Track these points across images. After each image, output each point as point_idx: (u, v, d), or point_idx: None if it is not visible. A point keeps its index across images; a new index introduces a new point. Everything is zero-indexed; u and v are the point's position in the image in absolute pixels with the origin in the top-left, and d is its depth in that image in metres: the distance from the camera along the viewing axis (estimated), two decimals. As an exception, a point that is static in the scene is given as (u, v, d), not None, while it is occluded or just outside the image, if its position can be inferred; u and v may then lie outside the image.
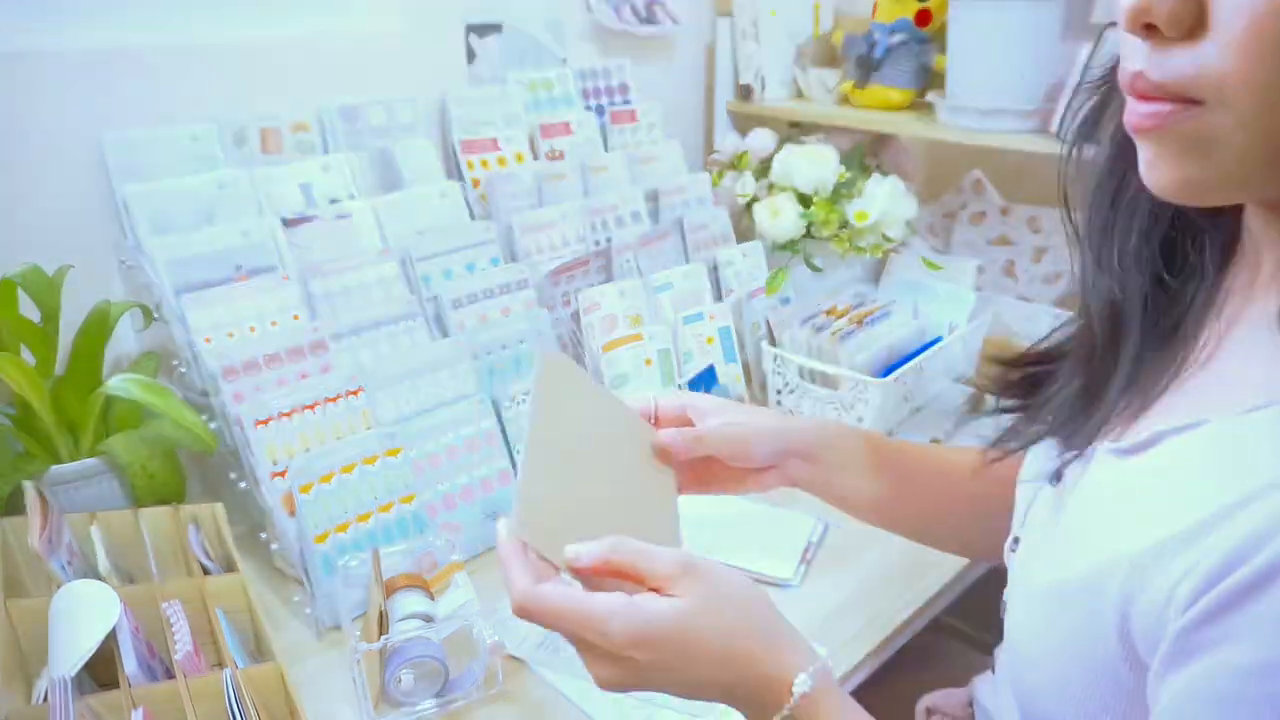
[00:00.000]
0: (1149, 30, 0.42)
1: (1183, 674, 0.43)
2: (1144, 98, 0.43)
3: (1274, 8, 0.38)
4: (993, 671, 0.74)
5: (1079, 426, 0.57)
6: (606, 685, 0.53)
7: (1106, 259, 0.56)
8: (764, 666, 0.53)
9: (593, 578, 0.53)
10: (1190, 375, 0.52)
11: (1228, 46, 0.39)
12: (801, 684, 0.52)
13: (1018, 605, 0.59)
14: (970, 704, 0.82)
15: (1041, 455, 0.63)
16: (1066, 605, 0.52)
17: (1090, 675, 0.50)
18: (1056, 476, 0.59)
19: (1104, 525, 0.51)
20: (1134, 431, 0.52)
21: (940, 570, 0.95)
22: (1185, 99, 0.42)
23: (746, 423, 0.70)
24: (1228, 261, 0.54)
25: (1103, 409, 0.55)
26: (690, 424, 0.69)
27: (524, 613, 0.52)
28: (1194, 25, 0.40)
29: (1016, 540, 0.64)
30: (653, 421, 0.70)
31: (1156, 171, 0.45)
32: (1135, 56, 0.43)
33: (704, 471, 0.71)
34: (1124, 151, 0.52)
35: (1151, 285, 0.54)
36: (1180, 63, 0.41)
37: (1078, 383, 0.59)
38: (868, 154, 1.44)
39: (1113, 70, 0.52)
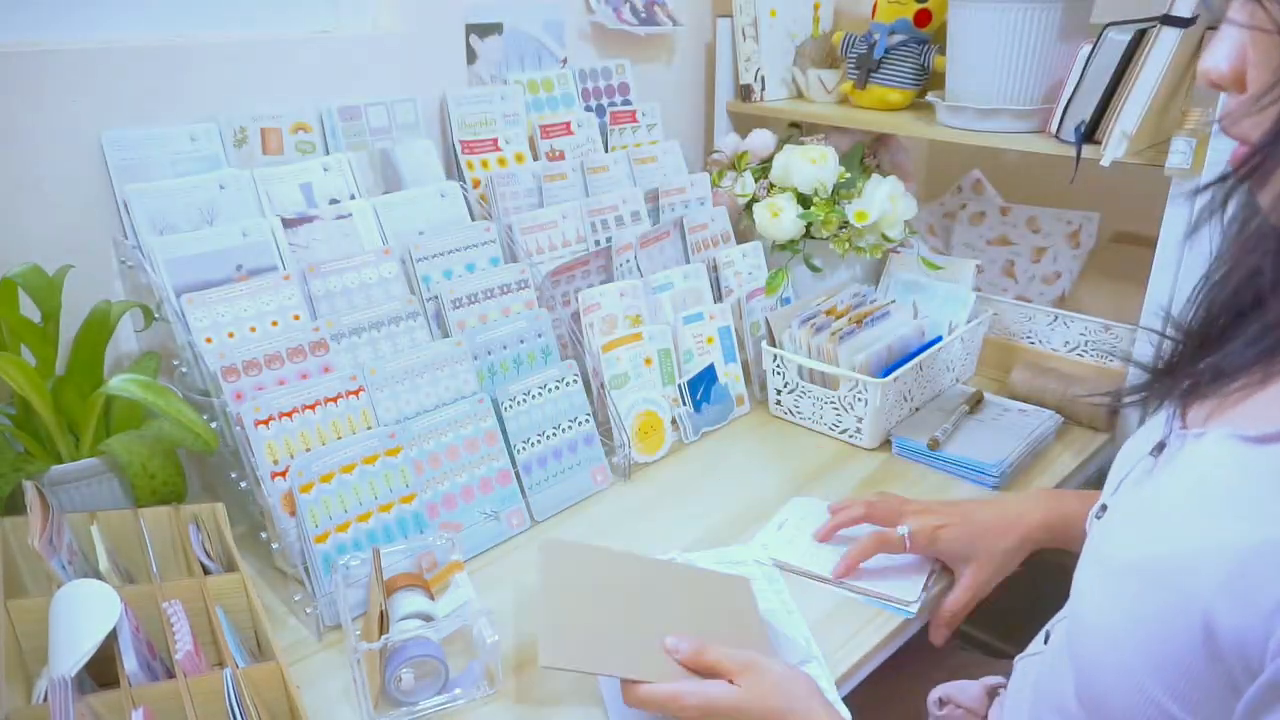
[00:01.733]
0: (1216, 88, 0.50)
1: None
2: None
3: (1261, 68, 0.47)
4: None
5: (1202, 395, 0.58)
6: None
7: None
8: None
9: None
10: None
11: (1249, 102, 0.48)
12: None
13: (1092, 574, 0.59)
14: (984, 695, 0.82)
15: (1149, 428, 0.64)
16: (1151, 582, 0.51)
17: (1162, 657, 0.50)
18: (1159, 448, 0.60)
19: (1213, 509, 0.51)
20: (1264, 421, 0.51)
21: (939, 571, 0.95)
22: (1246, 142, 0.49)
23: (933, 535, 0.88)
24: None
25: (1228, 381, 0.56)
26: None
27: (642, 702, 0.71)
28: (1241, 84, 0.49)
29: (1104, 508, 0.64)
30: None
31: (1263, 205, 0.50)
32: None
33: None
34: None
35: None
36: (1233, 113, 0.49)
37: (1212, 359, 0.59)
38: (867, 154, 1.44)
39: None
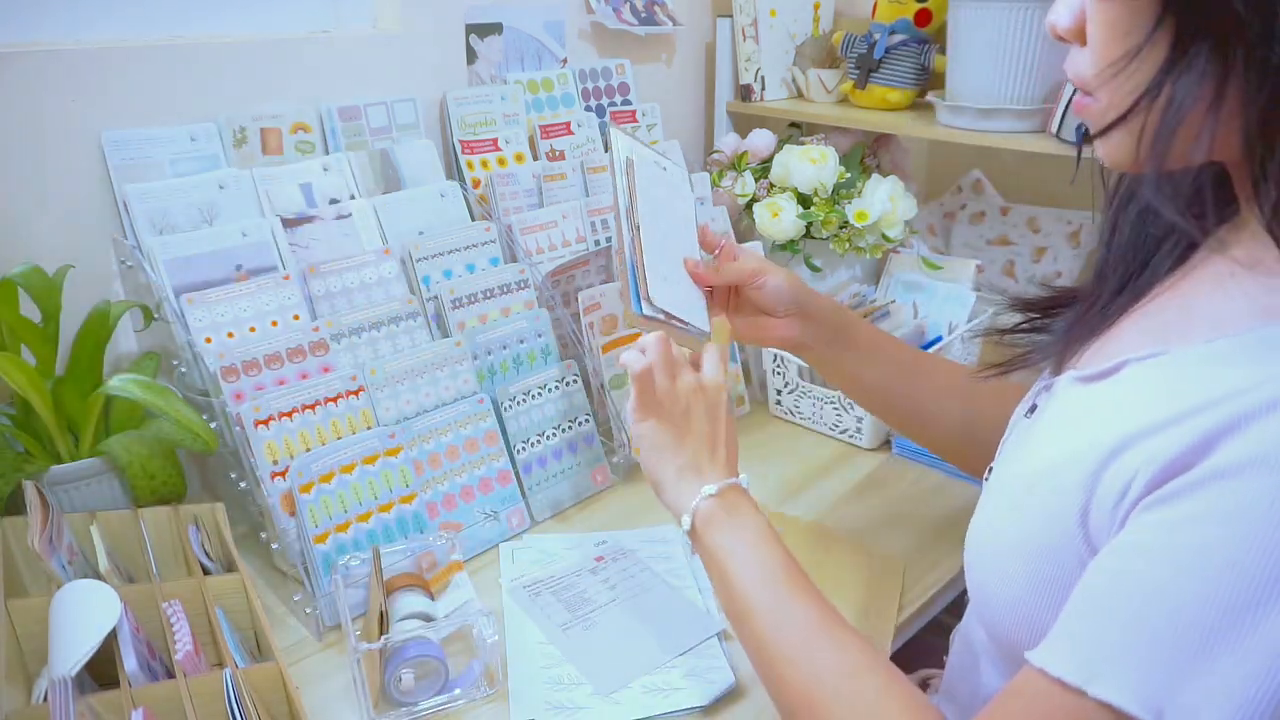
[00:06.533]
0: (1061, 40, 0.53)
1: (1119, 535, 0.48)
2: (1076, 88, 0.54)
3: (1107, 31, 0.49)
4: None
5: (1060, 359, 0.63)
6: (635, 430, 0.73)
7: (1123, 217, 0.63)
8: (695, 477, 0.70)
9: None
10: (1156, 316, 0.57)
11: (1088, 56, 0.51)
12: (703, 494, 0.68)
13: (978, 516, 0.63)
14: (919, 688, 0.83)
15: (1030, 395, 0.68)
16: (1027, 492, 0.56)
17: (1043, 558, 0.53)
18: (1031, 409, 0.65)
19: (1067, 431, 0.56)
20: (1099, 361, 0.57)
21: (940, 571, 0.95)
22: (1086, 92, 0.53)
23: (769, 263, 0.84)
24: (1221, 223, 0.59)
25: (1077, 340, 0.62)
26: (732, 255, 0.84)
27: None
28: (1081, 37, 0.52)
29: (991, 470, 0.68)
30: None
31: (1098, 148, 0.54)
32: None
33: (732, 304, 0.86)
34: None
35: (1141, 241, 0.62)
36: (1076, 63, 0.53)
37: (1068, 320, 0.65)
38: (867, 154, 1.44)
39: None
